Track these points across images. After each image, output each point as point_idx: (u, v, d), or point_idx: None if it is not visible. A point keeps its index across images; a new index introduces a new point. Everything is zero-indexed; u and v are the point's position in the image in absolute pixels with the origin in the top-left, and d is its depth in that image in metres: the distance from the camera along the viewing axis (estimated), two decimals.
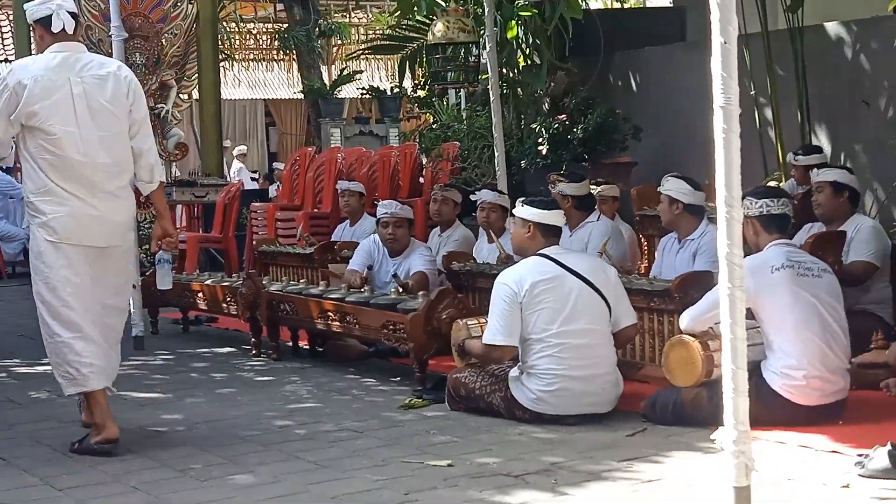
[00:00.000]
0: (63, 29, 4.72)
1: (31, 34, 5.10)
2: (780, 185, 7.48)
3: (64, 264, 4.59)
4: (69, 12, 4.77)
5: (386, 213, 6.68)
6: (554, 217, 4.98)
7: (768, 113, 8.75)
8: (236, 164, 19.05)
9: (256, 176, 18.91)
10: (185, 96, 10.74)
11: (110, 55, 7.46)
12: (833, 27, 8.62)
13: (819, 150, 7.57)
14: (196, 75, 10.77)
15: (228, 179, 16.83)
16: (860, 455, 3.88)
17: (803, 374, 4.48)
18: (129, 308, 5.14)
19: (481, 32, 9.12)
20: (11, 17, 15.47)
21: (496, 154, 8.57)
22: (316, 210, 9.81)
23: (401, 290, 5.97)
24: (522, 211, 4.98)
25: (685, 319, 4.67)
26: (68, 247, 4.61)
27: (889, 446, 3.77)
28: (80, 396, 4.77)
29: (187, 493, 3.89)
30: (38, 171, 4.63)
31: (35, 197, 4.65)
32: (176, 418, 5.13)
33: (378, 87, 16.33)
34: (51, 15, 4.71)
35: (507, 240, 6.37)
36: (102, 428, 4.56)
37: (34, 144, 4.61)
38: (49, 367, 6.13)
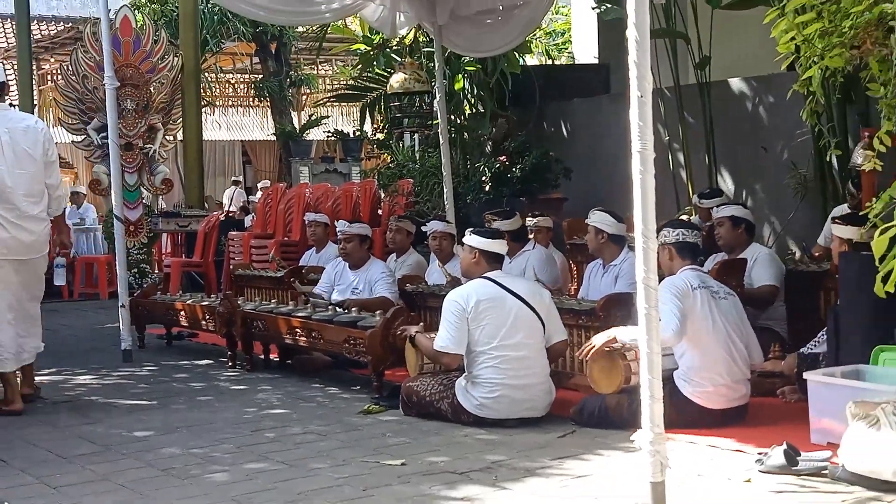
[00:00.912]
0: None
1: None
2: (690, 219, 7.56)
3: None
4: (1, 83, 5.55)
5: (340, 231, 6.80)
6: (497, 246, 5.00)
7: (680, 157, 8.86)
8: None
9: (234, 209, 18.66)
10: (171, 138, 10.66)
11: (104, 101, 7.42)
12: (736, 82, 8.77)
13: (720, 192, 7.62)
14: (181, 119, 10.70)
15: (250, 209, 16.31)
16: (760, 453, 3.92)
17: (711, 382, 4.52)
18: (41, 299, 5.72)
19: (433, 83, 9.15)
20: (16, 67, 15.26)
21: (445, 190, 8.60)
22: (286, 238, 9.73)
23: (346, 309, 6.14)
24: (470, 239, 5.00)
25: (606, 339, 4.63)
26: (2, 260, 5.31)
27: (784, 446, 3.81)
28: None
29: (169, 490, 3.85)
30: None
31: None
32: (159, 423, 5.06)
33: (342, 131, 16.30)
34: None
35: (455, 264, 6.40)
36: (11, 402, 5.30)
37: None
38: (44, 376, 6.06)
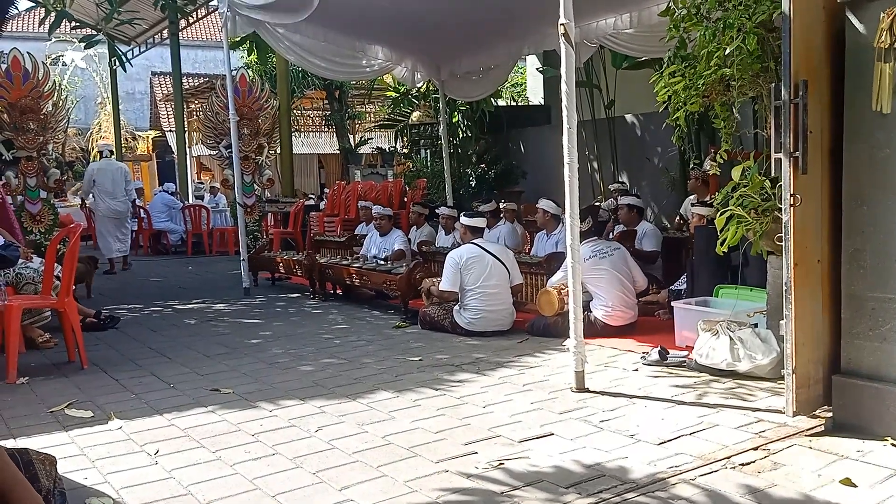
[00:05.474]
0: (104, 155, 8.59)
1: (116, 145, 8.75)
2: (601, 204, 7.54)
3: (106, 221, 8.50)
4: (109, 150, 8.71)
5: (376, 213, 6.88)
6: (478, 222, 5.01)
7: (595, 164, 8.83)
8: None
9: (314, 198, 18.49)
10: (272, 152, 10.57)
11: (229, 129, 7.37)
12: (630, 117, 8.71)
13: (623, 184, 7.64)
14: (278, 139, 10.62)
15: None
16: (643, 353, 3.96)
17: (612, 308, 4.56)
18: (129, 235, 9.02)
19: (439, 118, 9.10)
20: (173, 106, 15.11)
21: (446, 186, 8.59)
22: (346, 217, 9.72)
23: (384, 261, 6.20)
24: (463, 219, 5.03)
25: (549, 282, 4.72)
26: (107, 217, 8.49)
27: (659, 347, 3.85)
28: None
29: (273, 376, 3.89)
30: (99, 192, 8.42)
31: (97, 200, 8.42)
32: (267, 333, 5.10)
33: (381, 147, 16.21)
34: (102, 151, 8.61)
35: (455, 234, 6.41)
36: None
37: (95, 187, 8.44)
38: (195, 304, 6.05)
